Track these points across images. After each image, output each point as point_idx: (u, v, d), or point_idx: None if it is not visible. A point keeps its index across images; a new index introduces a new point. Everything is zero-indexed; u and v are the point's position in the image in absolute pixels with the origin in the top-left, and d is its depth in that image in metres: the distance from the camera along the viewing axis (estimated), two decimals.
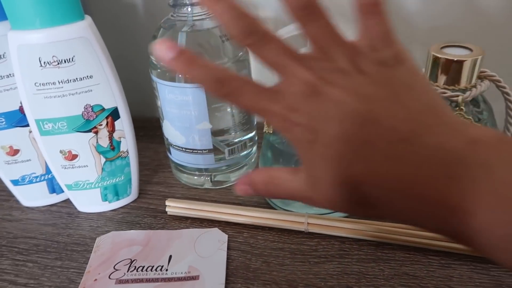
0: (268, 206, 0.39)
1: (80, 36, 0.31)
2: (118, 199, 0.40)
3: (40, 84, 0.32)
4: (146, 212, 0.40)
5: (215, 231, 0.36)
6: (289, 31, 0.32)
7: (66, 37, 0.31)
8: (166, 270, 0.33)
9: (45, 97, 0.32)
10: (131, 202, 0.41)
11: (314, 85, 0.20)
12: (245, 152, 0.41)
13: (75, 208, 0.40)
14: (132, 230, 0.37)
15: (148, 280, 0.32)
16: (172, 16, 0.37)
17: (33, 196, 0.40)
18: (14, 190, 0.40)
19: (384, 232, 0.34)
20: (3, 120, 0.36)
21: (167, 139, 0.41)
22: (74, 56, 0.31)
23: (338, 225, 0.35)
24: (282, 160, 0.36)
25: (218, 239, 0.35)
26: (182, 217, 0.38)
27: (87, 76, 0.33)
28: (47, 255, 0.35)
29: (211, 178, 0.42)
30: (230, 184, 0.42)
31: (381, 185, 0.19)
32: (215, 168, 0.41)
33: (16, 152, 0.37)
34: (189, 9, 0.35)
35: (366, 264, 0.32)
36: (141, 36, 0.51)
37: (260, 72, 0.51)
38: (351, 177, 0.19)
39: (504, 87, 0.33)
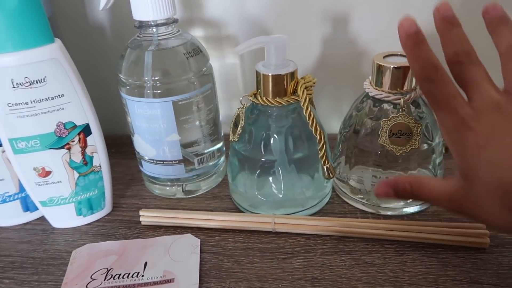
0: (237, 211, 0.41)
1: (51, 58, 0.33)
2: (92, 213, 0.41)
3: (12, 104, 0.33)
4: (120, 224, 0.41)
5: (188, 237, 0.38)
6: (247, 46, 0.35)
7: (37, 59, 0.33)
8: (142, 276, 0.34)
9: (18, 117, 0.34)
10: (105, 216, 0.42)
11: (500, 103, 0.24)
12: (213, 162, 0.44)
13: (50, 225, 0.41)
14: (107, 241, 0.38)
15: (125, 287, 0.33)
16: (138, 36, 0.39)
17: (6, 215, 0.41)
18: None
19: (346, 227, 0.37)
20: None
21: (138, 152, 0.43)
22: (45, 76, 0.33)
23: (303, 223, 0.37)
24: (247, 166, 0.39)
25: (191, 244, 0.37)
26: (156, 226, 0.40)
27: (59, 95, 0.34)
28: (23, 271, 0.36)
29: (182, 188, 0.44)
30: (201, 192, 0.44)
31: None
32: (186, 178, 0.43)
33: None
34: (154, 29, 0.38)
35: (329, 256, 0.35)
36: (109, 56, 0.53)
37: (224, 85, 0.54)
38: None
39: None
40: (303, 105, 0.36)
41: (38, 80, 0.33)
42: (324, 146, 0.36)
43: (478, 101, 0.24)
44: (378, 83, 0.37)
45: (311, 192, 0.39)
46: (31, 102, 0.34)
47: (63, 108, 0.35)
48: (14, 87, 0.33)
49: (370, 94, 0.37)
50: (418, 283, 0.32)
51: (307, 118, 0.36)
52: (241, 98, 0.38)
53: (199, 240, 0.38)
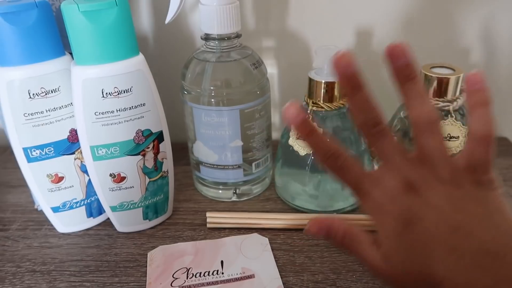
0: (294, 211, 0.44)
1: (137, 69, 0.35)
2: (157, 217, 0.43)
3: (99, 113, 0.35)
4: (184, 227, 0.43)
5: (255, 236, 0.41)
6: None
7: (126, 70, 0.35)
8: (222, 273, 0.36)
9: (103, 125, 0.36)
10: (167, 219, 0.44)
11: (414, 183, 0.22)
12: (266, 165, 0.47)
13: (114, 229, 0.43)
14: (179, 243, 0.40)
15: (209, 284, 0.35)
16: (205, 47, 0.41)
17: (71, 222, 0.42)
18: (53, 216, 0.41)
19: None
20: (52, 149, 0.38)
21: (197, 158, 0.45)
22: (132, 86, 0.35)
23: (362, 217, 0.41)
24: (298, 165, 0.42)
25: (260, 243, 0.40)
26: (220, 228, 0.42)
27: (141, 104, 0.36)
28: (101, 274, 0.37)
29: (236, 191, 0.46)
30: (254, 195, 0.47)
31: None
32: (243, 182, 0.45)
33: (60, 179, 0.39)
34: (217, 42, 0.40)
35: None
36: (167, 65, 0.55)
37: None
38: (431, 275, 0.21)
39: None
40: None
41: (125, 90, 0.35)
42: None
43: (390, 179, 0.23)
44: None
45: None
46: (117, 110, 0.35)
47: (143, 116, 0.37)
48: (103, 97, 0.34)
49: None
50: None
51: None
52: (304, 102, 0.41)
53: (267, 238, 0.40)
